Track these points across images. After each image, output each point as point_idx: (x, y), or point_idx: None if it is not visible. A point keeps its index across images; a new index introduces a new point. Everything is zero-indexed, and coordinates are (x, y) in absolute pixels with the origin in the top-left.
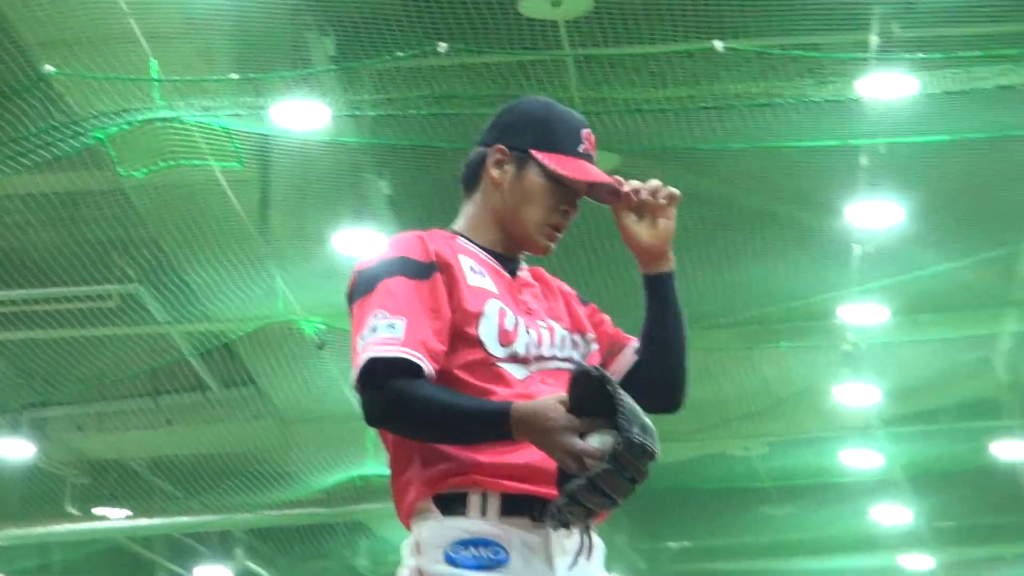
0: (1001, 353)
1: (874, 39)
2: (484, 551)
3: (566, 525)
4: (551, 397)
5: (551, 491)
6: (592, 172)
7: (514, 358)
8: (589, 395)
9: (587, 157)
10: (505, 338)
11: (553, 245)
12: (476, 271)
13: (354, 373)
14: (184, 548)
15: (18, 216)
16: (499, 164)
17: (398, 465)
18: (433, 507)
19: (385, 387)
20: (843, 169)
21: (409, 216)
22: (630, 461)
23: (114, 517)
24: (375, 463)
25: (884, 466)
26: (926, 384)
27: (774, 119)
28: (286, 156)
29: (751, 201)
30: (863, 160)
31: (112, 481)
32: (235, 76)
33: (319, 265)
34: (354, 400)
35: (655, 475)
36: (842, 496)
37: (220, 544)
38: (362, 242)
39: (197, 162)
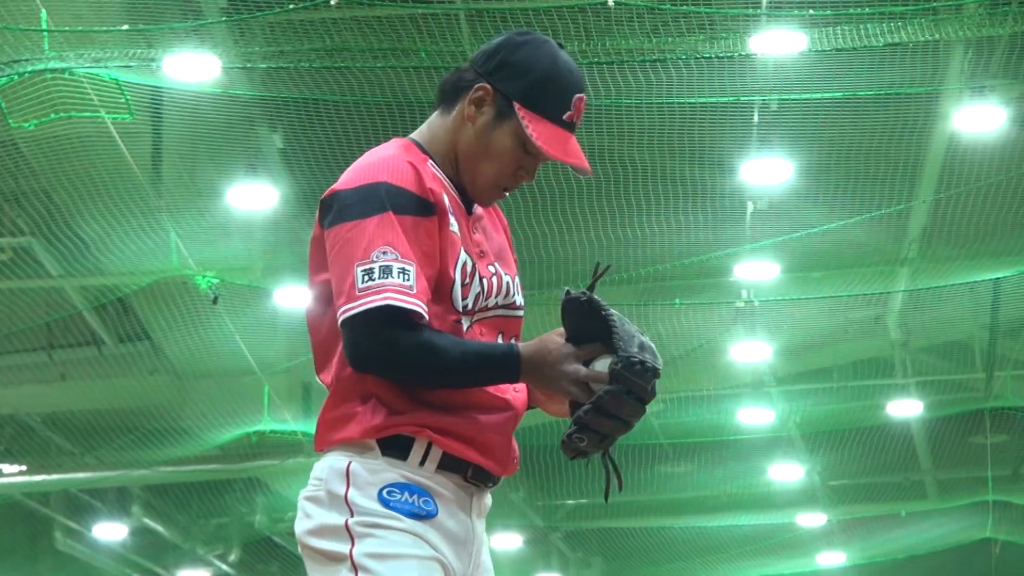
0: (893, 312)
1: None
2: (417, 500)
3: (584, 455)
4: (550, 332)
5: (488, 463)
6: (567, 149)
7: (465, 311)
8: (584, 321)
9: (569, 127)
10: (464, 292)
11: (497, 201)
12: (451, 213)
13: (354, 306)
14: (81, 504)
15: None
16: (479, 103)
17: (342, 398)
18: (372, 444)
19: (395, 335)
20: (736, 126)
21: (302, 169)
22: (632, 380)
23: (9, 472)
24: (271, 420)
25: (777, 423)
26: (819, 342)
27: (666, 75)
28: (178, 109)
29: (645, 157)
30: (755, 117)
31: (7, 436)
32: (126, 27)
33: (213, 219)
34: (250, 356)
35: (550, 432)
36: (738, 454)
37: (117, 501)
38: (256, 196)
39: (88, 114)
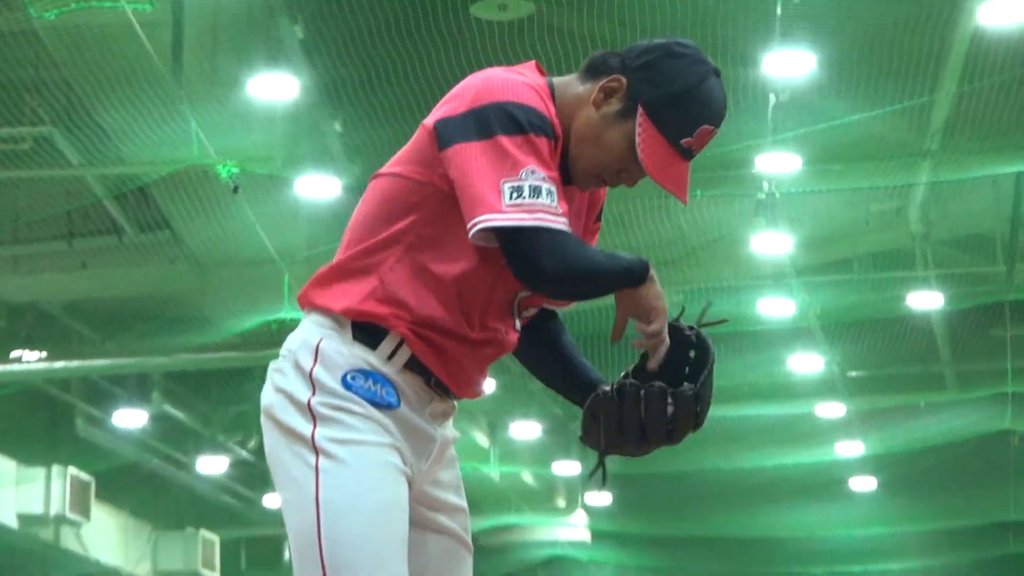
0: (915, 204)
1: None
2: (379, 389)
3: (588, 439)
4: None
5: (449, 381)
6: (671, 173)
7: None
8: (680, 350)
9: (686, 152)
10: None
11: (594, 188)
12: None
13: (498, 217)
14: (102, 391)
15: None
16: (609, 92)
17: (348, 272)
18: (347, 325)
19: (565, 248)
20: (758, 18)
21: (323, 60)
22: (686, 402)
23: (30, 360)
24: (291, 308)
25: (797, 314)
26: (840, 234)
27: None
28: (201, 19)
29: None
30: (778, 9)
31: (28, 324)
32: None
33: (233, 109)
34: (270, 246)
35: (573, 318)
36: (758, 345)
37: (137, 387)
38: (276, 87)
39: (108, 4)
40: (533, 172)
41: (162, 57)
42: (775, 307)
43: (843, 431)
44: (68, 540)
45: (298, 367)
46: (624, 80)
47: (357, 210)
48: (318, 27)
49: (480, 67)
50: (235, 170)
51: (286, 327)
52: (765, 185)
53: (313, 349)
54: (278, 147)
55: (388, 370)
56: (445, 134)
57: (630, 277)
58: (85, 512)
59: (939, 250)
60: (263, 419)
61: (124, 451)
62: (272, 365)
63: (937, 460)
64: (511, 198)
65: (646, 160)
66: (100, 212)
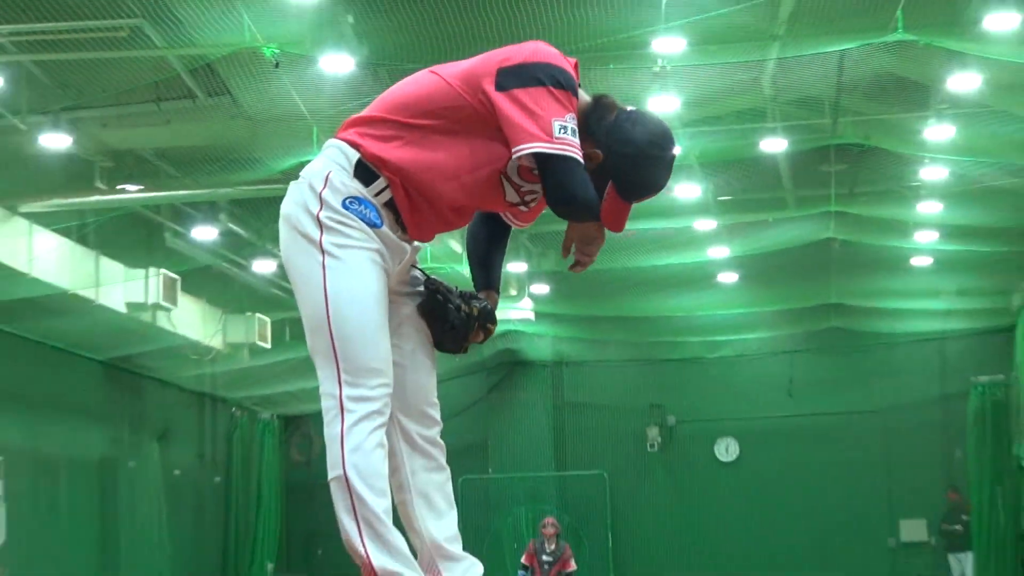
0: (767, 74)
1: None
2: (367, 212)
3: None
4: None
5: (412, 229)
6: (614, 219)
7: None
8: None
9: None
10: None
11: None
12: None
13: (547, 144)
14: (183, 213)
15: None
16: (590, 158)
17: (383, 126)
18: (353, 163)
19: (580, 175)
20: None
21: None
22: (467, 322)
23: (131, 190)
24: (318, 152)
25: (682, 155)
26: (714, 96)
27: None
28: None
29: None
30: None
31: (128, 165)
32: None
33: (274, 5)
34: (303, 106)
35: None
36: None
37: (209, 210)
38: None
39: None
40: (566, 119)
41: None
42: None
43: (714, 240)
44: (162, 321)
45: (312, 188)
46: (599, 154)
47: (404, 87)
48: None
49: None
50: (276, 51)
51: None
52: (659, 61)
53: (324, 176)
54: (307, 33)
55: (375, 201)
56: (503, 77)
57: (595, 213)
58: (174, 301)
59: (783, 108)
60: (281, 224)
61: (201, 256)
62: (292, 184)
63: (781, 260)
64: (559, 132)
65: (607, 208)
66: (179, 83)
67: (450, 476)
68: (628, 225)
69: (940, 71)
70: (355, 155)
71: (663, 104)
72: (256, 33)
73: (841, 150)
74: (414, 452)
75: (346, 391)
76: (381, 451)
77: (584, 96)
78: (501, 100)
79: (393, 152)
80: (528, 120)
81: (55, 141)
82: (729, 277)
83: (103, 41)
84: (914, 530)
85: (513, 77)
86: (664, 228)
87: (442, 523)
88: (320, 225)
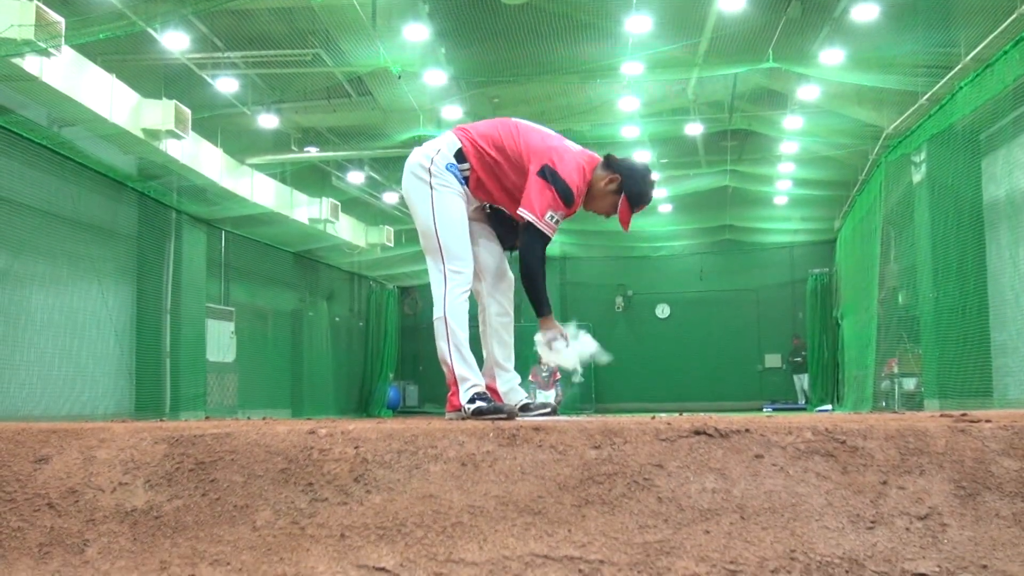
0: (691, 86)
1: None
2: (456, 173)
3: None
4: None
5: (474, 192)
6: (626, 222)
7: None
8: None
9: (634, 213)
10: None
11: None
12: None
13: (537, 220)
14: (343, 165)
15: (267, 17)
16: (612, 180)
17: (481, 148)
18: (454, 149)
19: (543, 244)
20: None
21: (437, 22)
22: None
23: (311, 151)
24: (424, 130)
25: (640, 135)
26: (659, 99)
27: None
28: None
29: (585, 17)
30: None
31: (311, 136)
32: None
33: (397, 42)
34: (413, 101)
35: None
36: (622, 148)
37: (358, 163)
38: (416, 32)
39: None
40: (557, 212)
41: (367, 19)
42: (630, 132)
43: (658, 185)
44: (330, 229)
45: (429, 153)
46: (619, 177)
47: (503, 135)
48: (436, 7)
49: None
50: (399, 68)
51: (422, 139)
52: (625, 79)
53: (437, 149)
54: (417, 58)
55: (464, 171)
56: (544, 170)
57: (533, 276)
58: (336, 217)
59: (700, 107)
60: (406, 171)
61: (352, 191)
62: (415, 149)
63: (697, 198)
64: (548, 218)
65: (622, 213)
66: (341, 88)
67: (513, 319)
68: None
69: (793, 85)
70: (458, 146)
71: (628, 104)
72: (387, 57)
73: (734, 132)
74: (492, 300)
75: (448, 266)
76: (466, 304)
77: (597, 156)
78: (533, 178)
79: (477, 159)
80: (537, 198)
81: (268, 121)
82: (666, 208)
83: (296, 62)
84: (773, 361)
85: (548, 174)
86: None
87: (502, 348)
88: (431, 172)
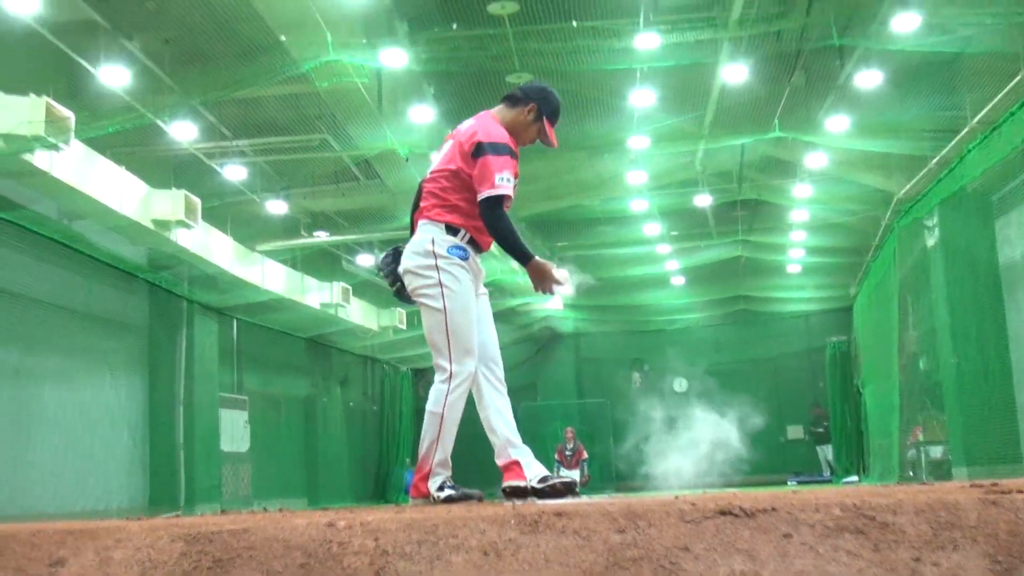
0: (698, 158)
1: None
2: (461, 252)
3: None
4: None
5: (481, 244)
6: (554, 138)
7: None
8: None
9: (555, 127)
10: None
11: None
12: (518, 158)
13: (493, 191)
14: (353, 249)
15: (273, 104)
16: (530, 111)
17: (446, 208)
18: (443, 227)
19: (503, 208)
20: (629, 76)
21: (443, 103)
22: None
23: (321, 236)
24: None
25: (648, 208)
26: (667, 171)
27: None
28: (388, 77)
29: (591, 93)
30: (637, 74)
31: (320, 220)
32: (364, 40)
33: (405, 124)
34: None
35: (554, 213)
36: (631, 221)
37: (367, 246)
38: (423, 114)
39: (350, 79)
40: (507, 172)
41: (373, 102)
42: (638, 205)
43: (669, 258)
44: (341, 314)
45: (426, 250)
46: (535, 105)
47: (440, 177)
48: (441, 88)
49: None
50: (407, 151)
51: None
52: (632, 153)
53: (430, 241)
54: (424, 140)
55: (465, 245)
56: (475, 152)
57: (523, 252)
58: (347, 301)
59: (708, 178)
60: (405, 274)
61: (363, 274)
62: (410, 248)
63: (709, 269)
64: (500, 181)
65: (550, 134)
66: (349, 171)
67: (509, 400)
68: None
69: (801, 153)
70: (442, 225)
71: (636, 178)
72: (394, 140)
73: (744, 203)
74: (488, 384)
75: (454, 364)
76: (464, 401)
77: (507, 109)
78: (476, 163)
79: (457, 217)
80: (484, 174)
81: (277, 207)
82: (678, 280)
83: (304, 147)
84: (795, 432)
85: (485, 148)
86: (638, 251)
87: (508, 425)
88: (438, 268)
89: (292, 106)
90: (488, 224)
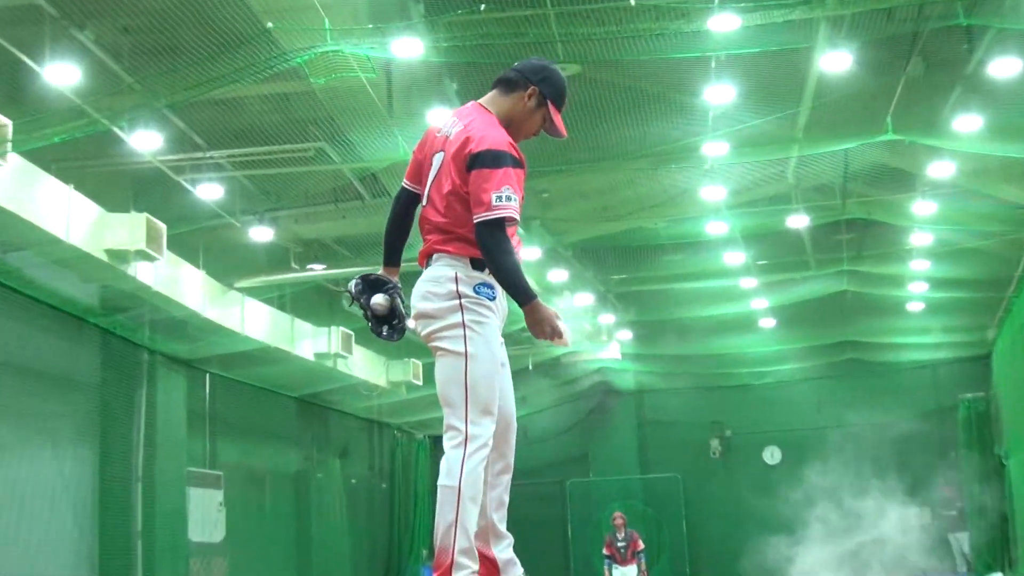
0: (791, 168)
1: None
2: (489, 290)
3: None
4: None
5: None
6: (563, 126)
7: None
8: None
9: (561, 112)
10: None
11: None
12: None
13: (489, 213)
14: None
15: (257, 106)
16: (531, 96)
17: (456, 228)
18: (468, 261)
19: (504, 234)
20: (702, 66)
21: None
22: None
23: (317, 269)
24: None
25: (729, 231)
26: (750, 185)
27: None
28: (399, 70)
29: (654, 89)
30: (712, 64)
31: (315, 249)
32: (370, 26)
33: (420, 128)
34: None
35: (608, 238)
36: (707, 248)
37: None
38: (442, 117)
39: (352, 74)
40: (507, 188)
41: (381, 102)
42: (716, 227)
43: (756, 294)
44: (341, 366)
45: (449, 290)
46: (536, 88)
47: (444, 206)
48: (465, 83)
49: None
50: None
51: None
52: (708, 161)
53: (454, 276)
54: None
55: (489, 279)
56: (468, 167)
57: (523, 291)
58: (349, 351)
59: (804, 192)
60: (421, 321)
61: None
62: (425, 288)
63: (807, 308)
64: (498, 200)
65: (556, 122)
66: (351, 188)
67: (506, 493)
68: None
69: (922, 161)
70: (466, 260)
71: (712, 194)
72: (408, 149)
73: (850, 223)
74: (496, 454)
75: (471, 426)
76: (483, 472)
77: (479, 104)
78: (469, 178)
79: (468, 228)
80: (479, 193)
81: (261, 234)
82: (768, 322)
83: (295, 159)
84: (920, 516)
85: (481, 159)
86: (717, 286)
87: (499, 510)
88: (462, 308)
89: (280, 108)
90: (486, 251)
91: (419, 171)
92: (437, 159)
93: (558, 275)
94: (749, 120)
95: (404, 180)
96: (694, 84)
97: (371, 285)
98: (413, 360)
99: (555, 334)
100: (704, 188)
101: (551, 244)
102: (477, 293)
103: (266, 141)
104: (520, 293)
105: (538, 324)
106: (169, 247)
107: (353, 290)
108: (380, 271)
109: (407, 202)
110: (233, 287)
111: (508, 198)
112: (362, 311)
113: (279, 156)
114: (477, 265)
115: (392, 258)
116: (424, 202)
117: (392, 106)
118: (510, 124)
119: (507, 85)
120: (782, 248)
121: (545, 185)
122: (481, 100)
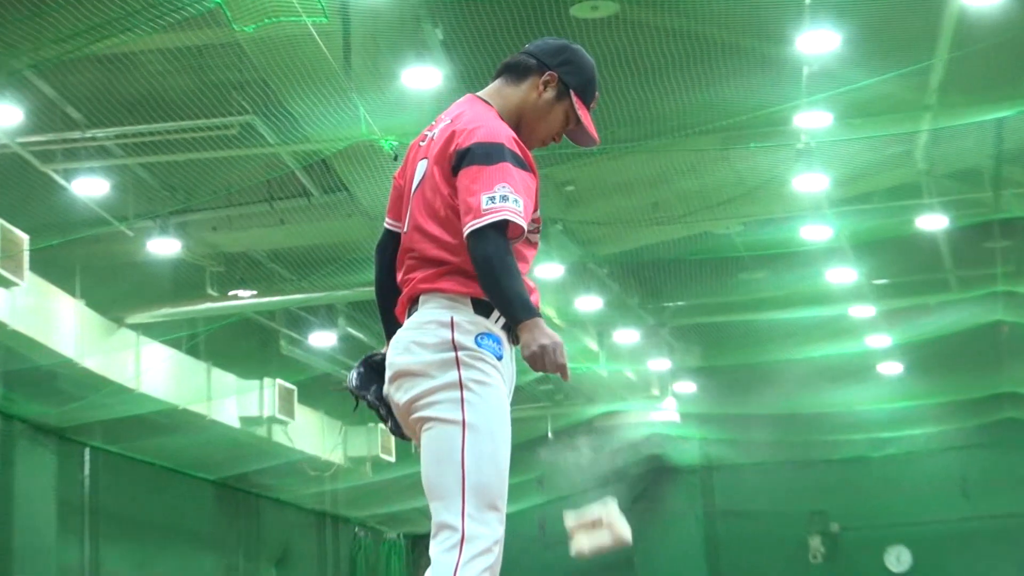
0: (920, 147)
1: None
2: (495, 345)
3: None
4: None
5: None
6: (593, 126)
7: (528, 233)
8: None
9: (591, 111)
10: (533, 222)
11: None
12: (535, 170)
13: (479, 220)
14: (299, 319)
15: (158, 66)
16: (547, 84)
17: (450, 256)
18: (468, 302)
19: (503, 239)
20: (792, 5)
21: (459, 56)
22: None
23: (244, 296)
24: None
25: (832, 238)
26: (863, 172)
27: None
28: (360, 12)
29: (724, 36)
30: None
31: (240, 269)
32: None
33: (391, 96)
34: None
35: (657, 250)
36: (803, 262)
37: (327, 315)
38: (424, 77)
39: (293, 18)
40: (503, 187)
41: (335, 58)
42: (815, 232)
43: (873, 327)
44: (278, 435)
45: (441, 339)
46: (555, 74)
47: (434, 232)
48: (454, 30)
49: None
50: (395, 143)
51: None
52: (803, 137)
53: (449, 321)
54: (427, 123)
55: (500, 332)
56: (455, 169)
57: (523, 307)
58: (290, 413)
59: (940, 182)
60: (400, 378)
61: (319, 364)
62: (412, 338)
63: (947, 347)
64: (490, 202)
65: (585, 121)
66: (292, 180)
67: None
68: None
69: None
70: (467, 299)
71: (809, 183)
72: (373, 126)
73: (1006, 225)
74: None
75: (469, 526)
76: None
77: (477, 98)
78: (457, 182)
79: (466, 262)
80: (468, 198)
81: (163, 247)
82: (891, 368)
83: (212, 140)
84: None
85: (473, 156)
86: (817, 316)
87: None
88: (458, 364)
89: (191, 67)
90: (478, 265)
91: (402, 203)
92: (420, 168)
93: (588, 302)
94: (857, 78)
95: (385, 219)
96: (781, 28)
97: (377, 370)
98: (383, 426)
99: (559, 368)
100: (797, 177)
101: (578, 257)
102: (479, 346)
103: (170, 115)
104: (517, 307)
105: (540, 350)
106: (32, 268)
107: (355, 382)
108: (384, 349)
109: (394, 250)
110: (124, 323)
111: (504, 198)
112: (374, 410)
113: (189, 136)
114: (481, 308)
115: (394, 328)
116: (405, 228)
117: (350, 63)
118: (520, 122)
119: (515, 72)
120: (910, 261)
121: (569, 175)
122: (478, 93)
